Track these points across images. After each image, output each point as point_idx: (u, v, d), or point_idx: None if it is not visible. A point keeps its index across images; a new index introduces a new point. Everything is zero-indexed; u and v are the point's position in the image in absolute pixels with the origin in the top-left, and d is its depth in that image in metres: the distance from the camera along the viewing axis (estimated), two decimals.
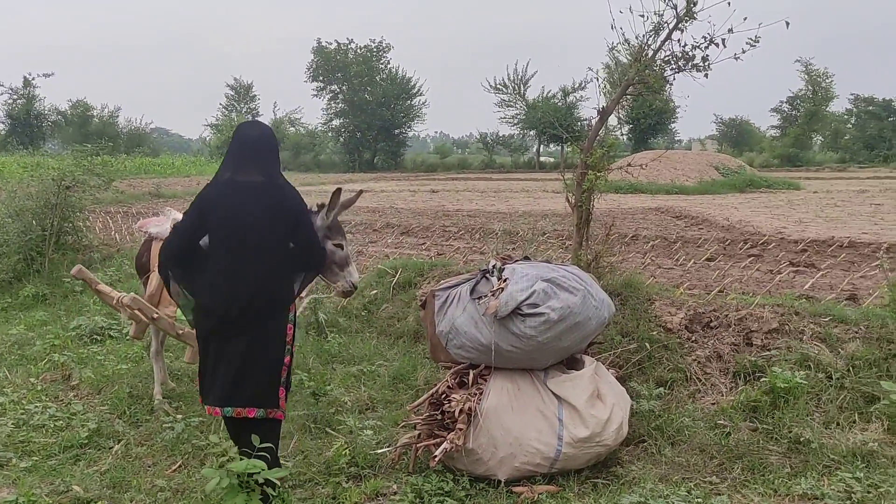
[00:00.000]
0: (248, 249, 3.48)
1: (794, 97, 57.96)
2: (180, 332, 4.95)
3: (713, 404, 4.75)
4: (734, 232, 12.14)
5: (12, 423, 4.76)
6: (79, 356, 6.25)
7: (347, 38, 56.07)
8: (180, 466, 4.29)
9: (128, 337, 6.06)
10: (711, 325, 5.38)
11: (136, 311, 4.86)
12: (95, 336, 6.91)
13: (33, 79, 53.52)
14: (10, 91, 53.15)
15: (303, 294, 5.39)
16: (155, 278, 5.15)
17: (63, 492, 3.91)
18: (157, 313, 4.91)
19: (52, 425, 4.77)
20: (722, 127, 64.66)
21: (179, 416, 4.78)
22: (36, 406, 5.02)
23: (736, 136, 62.61)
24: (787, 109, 59.16)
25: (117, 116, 56.20)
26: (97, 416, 4.90)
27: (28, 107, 53.20)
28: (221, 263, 3.50)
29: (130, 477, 4.11)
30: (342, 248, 4.26)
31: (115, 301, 4.92)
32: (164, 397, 5.28)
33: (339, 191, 4.25)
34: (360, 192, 4.57)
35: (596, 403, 4.06)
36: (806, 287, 7.04)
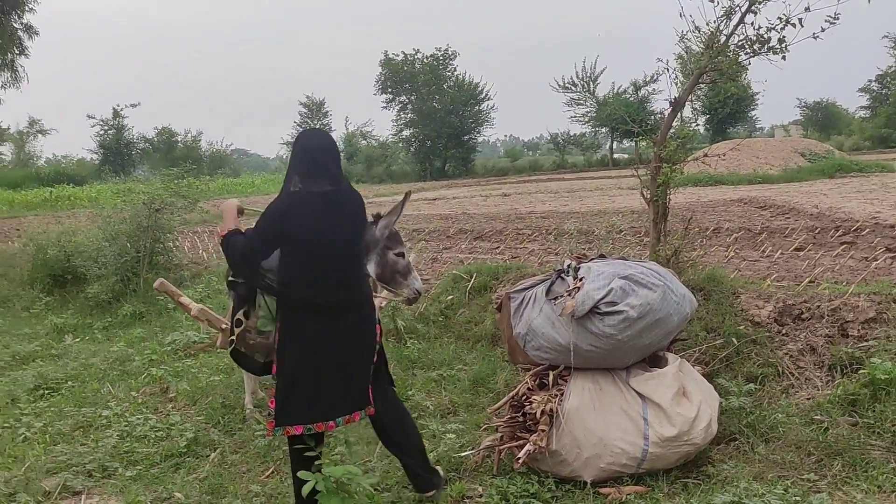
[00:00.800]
0: (335, 257, 3.52)
1: (883, 75, 55.26)
2: (252, 342, 5.07)
3: (808, 399, 4.57)
4: (824, 219, 11.63)
5: (117, 435, 5.01)
6: (175, 370, 6.55)
7: (414, 49, 56.70)
8: (273, 472, 4.43)
9: (217, 349, 6.26)
10: (803, 316, 5.19)
11: (205, 322, 5.02)
12: (189, 350, 7.21)
13: (122, 109, 56.29)
14: (102, 122, 56.04)
15: (382, 304, 5.50)
16: None
17: (166, 499, 4.10)
18: (225, 324, 5.03)
19: (153, 436, 5.00)
20: (806, 111, 62.21)
21: None
22: (138, 418, 5.27)
23: (822, 119, 60.14)
24: (876, 88, 56.42)
25: (199, 140, 58.61)
26: (194, 426, 5.10)
27: (118, 136, 55.96)
28: (312, 275, 3.50)
29: (227, 483, 4.27)
30: (403, 257, 4.32)
31: (191, 312, 5.09)
32: (254, 406, 5.46)
33: (408, 194, 4.36)
34: (408, 193, 4.59)
35: (682, 401, 3.97)
36: None
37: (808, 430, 4.15)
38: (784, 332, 5.10)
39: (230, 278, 4.15)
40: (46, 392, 6.16)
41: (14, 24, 17.18)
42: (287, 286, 3.56)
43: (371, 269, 4.46)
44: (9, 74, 17.36)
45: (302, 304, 3.53)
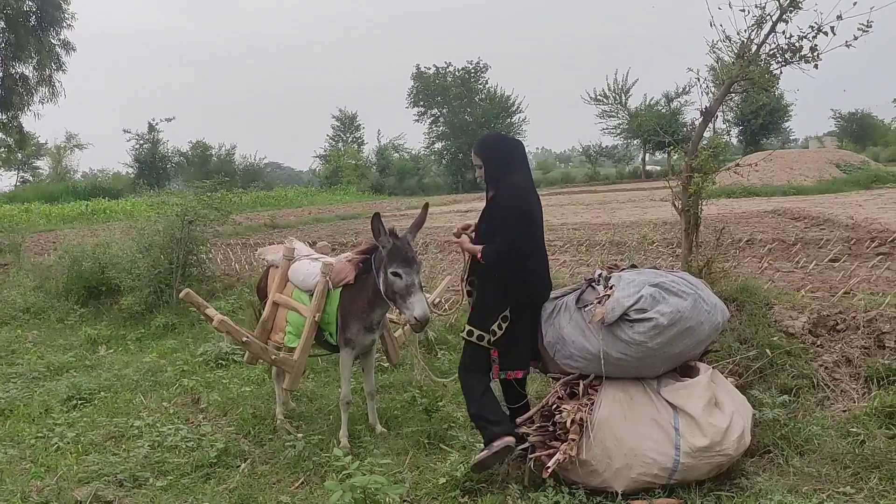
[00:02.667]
0: (543, 241, 4.39)
1: None
2: (273, 357, 5.10)
3: (844, 411, 4.48)
4: (860, 231, 11.41)
5: (148, 445, 5.05)
6: (206, 381, 6.61)
7: (446, 62, 57.05)
8: (303, 483, 4.44)
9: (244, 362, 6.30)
10: (838, 328, 5.10)
11: (226, 334, 5.05)
12: (221, 361, 7.27)
13: (157, 124, 57.38)
14: (137, 137, 57.13)
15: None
16: (269, 304, 5.38)
17: None
18: (246, 337, 5.05)
19: (184, 446, 5.02)
20: (841, 122, 61.28)
21: (300, 435, 4.93)
22: (169, 428, 5.30)
23: (857, 130, 59.15)
24: None
25: (233, 154, 59.44)
26: (224, 437, 5.13)
27: (153, 150, 56.97)
28: (539, 255, 4.31)
29: (257, 493, 4.28)
30: (400, 278, 4.33)
31: (212, 323, 5.13)
32: (285, 417, 5.49)
33: (377, 216, 4.43)
34: (426, 204, 4.66)
35: (714, 411, 3.90)
36: None
37: (843, 442, 4.07)
38: (819, 343, 5.01)
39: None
40: (79, 402, 6.24)
41: (52, 40, 17.61)
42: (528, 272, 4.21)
43: (380, 286, 4.50)
44: (46, 90, 17.83)
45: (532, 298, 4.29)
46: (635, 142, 53.86)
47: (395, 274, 4.37)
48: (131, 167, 57.94)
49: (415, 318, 4.28)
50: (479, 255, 4.18)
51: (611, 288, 4.07)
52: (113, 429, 5.48)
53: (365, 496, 3.39)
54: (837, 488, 3.71)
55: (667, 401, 3.97)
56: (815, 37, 5.05)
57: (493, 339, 4.18)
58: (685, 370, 4.20)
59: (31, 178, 62.54)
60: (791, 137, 63.97)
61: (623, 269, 4.43)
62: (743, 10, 5.32)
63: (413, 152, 61.51)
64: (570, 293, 4.39)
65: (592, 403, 4.01)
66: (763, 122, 50.04)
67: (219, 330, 5.05)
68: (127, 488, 4.46)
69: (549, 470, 3.87)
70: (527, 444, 4.13)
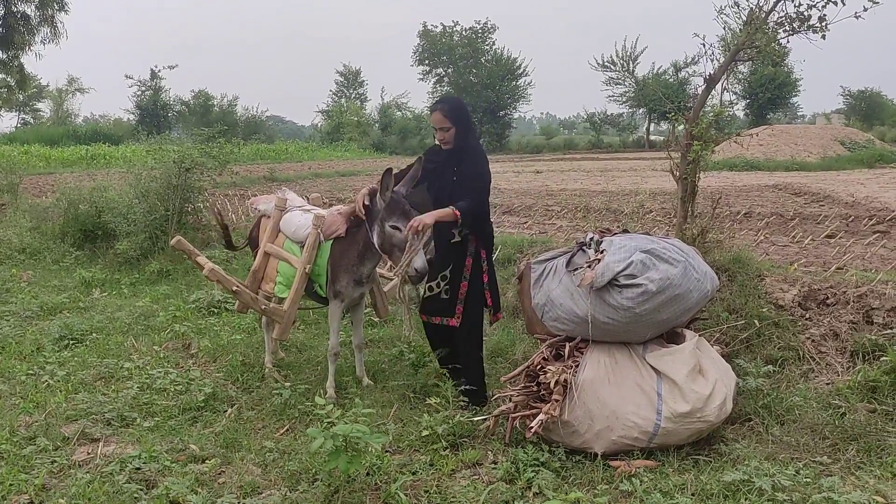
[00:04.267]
0: None
1: None
2: (263, 307, 5.11)
3: (828, 384, 4.52)
4: (859, 208, 11.39)
5: (137, 387, 5.09)
6: (197, 327, 6.64)
7: (453, 21, 56.26)
8: (288, 430, 4.49)
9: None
10: (828, 302, 5.11)
11: (216, 282, 5.05)
12: (213, 308, 7.30)
13: (159, 71, 56.61)
14: (139, 83, 56.49)
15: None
16: (260, 254, 5.38)
17: (181, 450, 4.16)
18: (236, 286, 5.05)
19: (172, 389, 5.07)
20: (850, 100, 60.69)
21: (288, 384, 4.97)
22: (158, 371, 5.34)
23: (866, 109, 58.58)
24: None
25: (235, 105, 58.84)
26: (213, 382, 5.16)
27: (155, 98, 56.35)
28: None
29: (241, 438, 4.33)
30: (399, 231, 4.37)
31: (203, 271, 5.12)
32: (273, 366, 5.53)
33: (389, 171, 4.41)
34: (420, 158, 4.64)
35: (697, 378, 3.93)
36: None
37: (824, 414, 4.11)
38: (808, 316, 5.02)
39: None
40: (71, 342, 6.27)
41: None
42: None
43: (374, 239, 4.52)
44: (48, 30, 17.53)
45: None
46: (641, 111, 53.36)
47: (395, 227, 4.41)
48: (132, 114, 57.35)
49: (415, 269, 4.33)
50: (455, 213, 4.37)
51: (601, 252, 4.07)
52: (103, 369, 5.51)
53: (347, 444, 3.42)
54: (814, 458, 3.75)
55: (651, 366, 4.00)
56: (824, 6, 4.96)
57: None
58: (672, 337, 4.23)
59: (31, 121, 61.97)
60: (799, 113, 63.46)
61: (615, 233, 4.43)
62: None
63: (416, 111, 60.98)
64: (561, 256, 4.39)
65: (577, 366, 4.04)
66: (771, 97, 49.54)
67: (209, 278, 5.05)
68: (114, 427, 4.50)
69: (533, 430, 3.91)
70: (512, 404, 4.17)
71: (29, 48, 17.24)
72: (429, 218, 4.33)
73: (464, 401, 4.54)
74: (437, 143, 4.75)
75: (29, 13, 17.08)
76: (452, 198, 4.47)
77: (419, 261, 4.32)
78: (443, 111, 4.62)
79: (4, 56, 17.53)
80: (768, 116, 50.35)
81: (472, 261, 4.67)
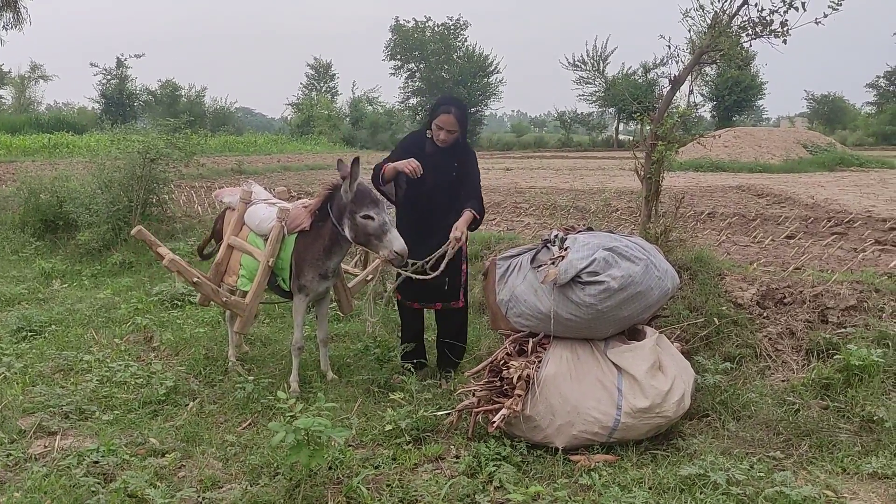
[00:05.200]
0: None
1: (891, 72, 55.05)
2: (224, 299, 5.06)
3: (783, 381, 4.62)
4: (818, 210, 11.64)
5: (97, 380, 5.02)
6: (160, 320, 6.57)
7: (425, 16, 56.26)
8: (250, 424, 4.46)
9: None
10: (785, 301, 5.22)
11: (176, 273, 5.00)
12: (176, 301, 7.22)
13: (125, 59, 55.70)
14: (105, 72, 55.49)
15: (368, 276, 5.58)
16: (224, 246, 5.33)
17: (140, 443, 4.12)
18: (197, 277, 4.98)
19: (133, 382, 5.01)
20: (813, 104, 61.94)
21: (251, 377, 4.94)
22: (119, 364, 5.27)
23: (828, 113, 59.88)
24: (883, 85, 56.32)
25: (203, 96, 58.05)
26: (175, 376, 5.12)
27: (121, 87, 55.41)
28: None
29: (203, 432, 4.29)
30: (372, 220, 4.41)
31: (163, 262, 5.05)
32: (237, 359, 5.49)
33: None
34: (356, 158, 4.60)
35: (657, 375, 4.00)
36: (891, 266, 6.70)
37: (779, 410, 4.21)
38: (765, 315, 5.13)
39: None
40: (29, 334, 6.16)
41: None
42: None
43: (347, 233, 4.55)
44: (10, 15, 17.10)
45: None
46: (611, 110, 53.87)
47: (366, 217, 4.44)
48: (97, 102, 56.32)
49: (395, 252, 4.39)
50: (475, 215, 4.79)
51: (565, 249, 4.11)
52: (62, 362, 5.43)
53: (308, 438, 3.42)
54: (768, 452, 3.84)
55: (612, 362, 4.05)
56: (786, 11, 5.06)
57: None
58: (633, 333, 4.29)
59: None
60: (764, 116, 64.54)
61: (579, 231, 4.48)
62: None
63: (387, 106, 60.78)
64: (526, 252, 4.43)
65: (540, 361, 4.08)
66: (737, 99, 50.35)
67: (169, 268, 4.98)
68: (72, 420, 4.44)
69: (495, 424, 3.94)
70: (475, 398, 4.19)
71: None
72: (463, 225, 4.68)
73: (448, 372, 5.08)
74: (432, 139, 4.86)
75: None
76: (453, 193, 4.83)
77: (398, 243, 4.38)
78: (456, 116, 4.78)
79: None
80: (734, 119, 51.16)
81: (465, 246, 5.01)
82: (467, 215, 4.72)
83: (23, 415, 4.46)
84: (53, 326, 6.40)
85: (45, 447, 4.04)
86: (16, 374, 5.19)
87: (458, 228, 4.64)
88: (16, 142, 30.40)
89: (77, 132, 39.01)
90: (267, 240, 4.93)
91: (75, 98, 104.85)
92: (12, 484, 3.60)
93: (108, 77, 55.74)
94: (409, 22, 55.53)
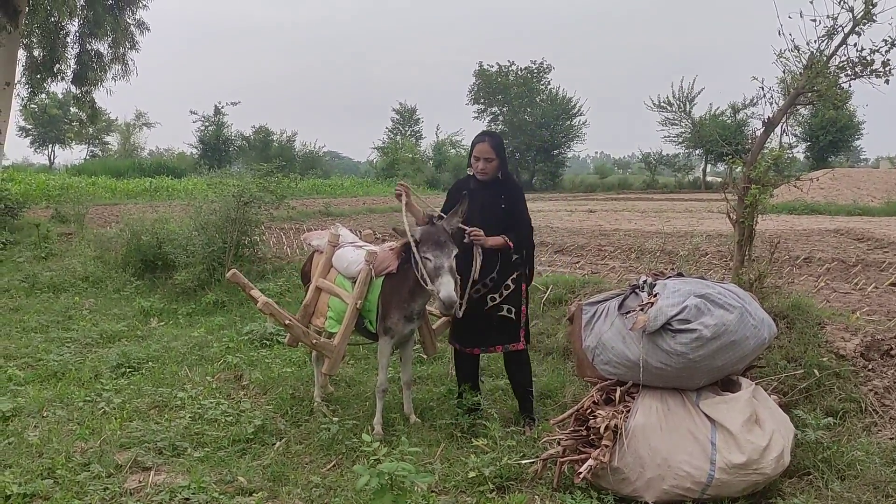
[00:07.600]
0: None
1: None
2: (314, 341, 5.15)
3: (892, 439, 4.33)
4: None
5: (189, 417, 5.18)
6: (249, 359, 6.75)
7: (509, 61, 56.84)
8: (334, 465, 4.49)
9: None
10: (892, 353, 4.92)
11: (269, 315, 5.12)
12: (265, 341, 7.41)
13: (223, 107, 58.32)
14: (203, 118, 58.30)
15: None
16: (312, 288, 5.45)
17: (229, 481, 4.21)
18: (289, 320, 5.11)
19: (223, 420, 5.14)
20: None
21: (336, 419, 4.99)
22: (210, 402, 5.43)
23: None
24: None
25: (294, 141, 60.14)
26: (262, 414, 5.22)
27: (218, 133, 58.01)
28: None
29: (289, 472, 4.35)
30: (429, 261, 4.49)
31: (257, 304, 5.20)
32: (322, 400, 5.56)
33: (465, 196, 4.69)
34: (465, 195, 4.80)
35: (753, 429, 3.81)
36: None
37: (888, 470, 3.93)
38: (870, 367, 4.84)
39: None
40: (128, 370, 6.43)
41: (127, 20, 18.04)
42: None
43: (418, 273, 4.62)
44: (119, 67, 18.25)
45: None
46: (697, 152, 52.74)
47: (425, 258, 4.47)
48: (195, 148, 59.06)
49: (440, 299, 4.39)
50: (508, 243, 4.80)
51: (655, 295, 4.01)
52: (157, 398, 5.63)
53: (392, 483, 3.40)
54: None
55: (705, 414, 3.89)
56: (888, 51, 4.87)
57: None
58: (727, 384, 4.12)
59: (100, 153, 64.51)
60: (861, 156, 61.90)
61: (669, 276, 4.36)
62: (814, 20, 5.17)
63: None
64: (613, 298, 4.34)
65: (628, 411, 3.96)
66: (832, 139, 48.46)
67: (263, 311, 5.13)
68: (166, 456, 4.58)
69: (582, 475, 3.84)
70: (561, 447, 4.10)
71: (100, 84, 18.03)
72: (491, 240, 4.76)
73: (531, 418, 4.99)
74: (472, 172, 5.01)
75: (102, 51, 17.90)
76: (505, 226, 4.87)
77: (444, 290, 4.38)
78: (490, 143, 4.92)
79: (77, 91, 18.34)
80: (829, 160, 49.18)
81: (526, 286, 5.02)
82: (497, 239, 4.81)
83: (120, 449, 4.64)
84: (150, 363, 6.66)
85: (140, 482, 4.18)
86: (114, 409, 5.41)
87: (479, 234, 4.72)
88: (120, 185, 32.16)
89: (176, 176, 41.00)
90: (355, 282, 5.01)
91: (175, 143, 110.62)
92: None
93: (206, 124, 58.48)
94: (492, 66, 56.30)
